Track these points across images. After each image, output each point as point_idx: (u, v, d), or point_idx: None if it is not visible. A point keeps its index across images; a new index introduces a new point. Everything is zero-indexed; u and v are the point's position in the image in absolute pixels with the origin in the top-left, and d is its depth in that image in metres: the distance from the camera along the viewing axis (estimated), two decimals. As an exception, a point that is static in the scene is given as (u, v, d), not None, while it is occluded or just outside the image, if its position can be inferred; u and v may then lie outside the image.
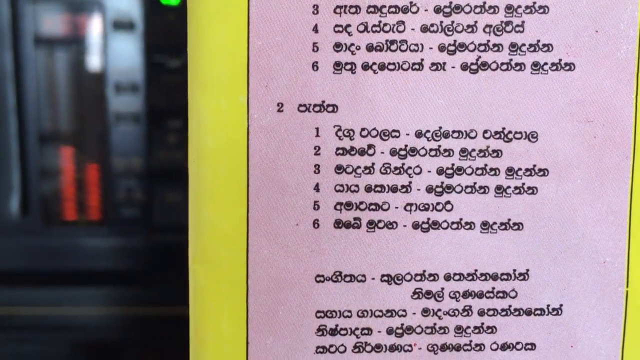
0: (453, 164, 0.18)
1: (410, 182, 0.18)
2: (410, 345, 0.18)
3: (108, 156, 0.42)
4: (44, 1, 0.40)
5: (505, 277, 0.18)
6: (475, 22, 0.17)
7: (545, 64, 0.18)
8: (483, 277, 0.18)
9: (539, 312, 0.18)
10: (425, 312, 0.18)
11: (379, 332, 0.18)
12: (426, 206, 0.18)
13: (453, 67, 0.18)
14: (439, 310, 0.18)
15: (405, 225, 0.18)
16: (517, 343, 0.18)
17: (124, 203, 0.42)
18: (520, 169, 0.18)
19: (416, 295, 0.18)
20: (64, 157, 0.42)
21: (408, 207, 0.18)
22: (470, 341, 0.18)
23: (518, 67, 0.18)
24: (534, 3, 0.17)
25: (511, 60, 0.18)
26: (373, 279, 0.18)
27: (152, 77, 0.41)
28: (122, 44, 0.41)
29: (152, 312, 0.42)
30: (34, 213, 0.42)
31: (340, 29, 0.17)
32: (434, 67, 0.18)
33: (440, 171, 0.18)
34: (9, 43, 0.40)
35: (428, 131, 0.18)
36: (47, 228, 0.42)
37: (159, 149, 0.42)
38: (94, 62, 0.42)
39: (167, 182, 0.42)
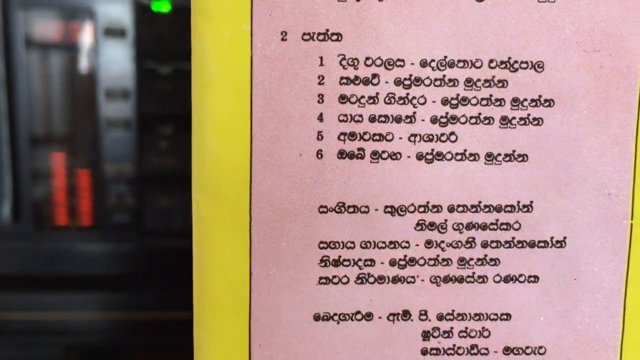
0: (458, 94, 0.18)
1: (414, 113, 0.18)
2: (413, 277, 0.18)
3: (99, 162, 0.43)
4: (35, 8, 0.41)
5: (509, 208, 0.18)
6: (482, -52, 0.17)
7: (553, -9, 0.17)
8: (487, 209, 0.18)
9: (542, 244, 0.18)
10: (429, 243, 0.18)
11: (382, 263, 0.18)
12: (430, 137, 0.18)
13: (459, -5, 0.17)
14: (442, 242, 0.18)
15: (409, 156, 0.18)
16: (520, 275, 0.18)
17: (115, 208, 0.43)
18: (525, 100, 0.18)
19: (419, 227, 0.18)
20: (55, 162, 0.43)
21: (412, 138, 0.18)
22: (473, 273, 0.18)
23: (525, -5, 0.17)
24: None
25: (518, -13, 0.17)
26: (376, 210, 0.18)
27: (142, 84, 0.42)
28: (113, 50, 0.42)
29: (143, 317, 0.43)
30: (26, 218, 0.43)
31: (345, -45, 0.17)
32: (440, -6, 0.17)
33: (445, 101, 0.18)
34: (0, 49, 0.41)
35: (433, 60, 0.18)
36: (38, 233, 0.43)
37: (149, 154, 0.42)
38: (85, 68, 0.42)
39: (158, 187, 0.43)
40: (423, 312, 0.19)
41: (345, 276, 0.18)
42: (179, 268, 0.41)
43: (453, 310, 0.19)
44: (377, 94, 0.18)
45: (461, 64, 0.18)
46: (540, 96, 0.18)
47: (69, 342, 0.43)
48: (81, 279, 0.43)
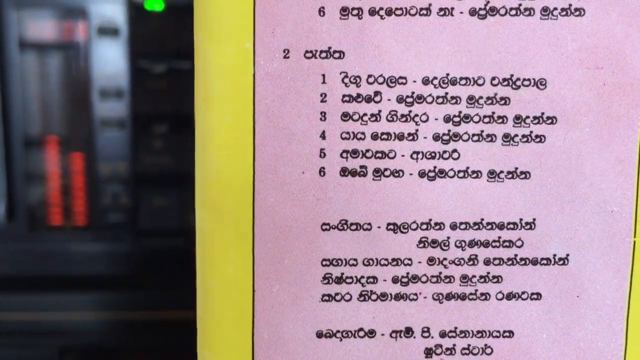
0: (460, 112, 0.18)
1: (417, 130, 0.18)
2: (415, 294, 0.18)
3: (94, 161, 0.42)
4: (28, 7, 0.41)
5: (511, 226, 0.18)
6: (484, -34, 0.17)
7: (555, 9, 0.17)
8: (489, 226, 0.18)
9: (545, 261, 0.18)
10: (431, 261, 0.18)
11: (385, 280, 0.18)
12: (433, 154, 0.18)
13: (461, 13, 0.17)
14: (445, 259, 0.18)
15: (411, 174, 0.18)
16: (523, 292, 0.18)
17: (110, 208, 0.43)
18: (528, 117, 0.18)
19: (422, 244, 0.18)
20: (49, 162, 0.43)
21: (414, 155, 0.18)
22: (476, 290, 0.18)
23: (527, 12, 0.17)
24: (544, -53, 0.17)
25: (520, 5, 0.17)
26: (379, 227, 0.18)
27: (136, 83, 0.42)
28: (106, 50, 0.42)
29: (139, 317, 0.43)
30: (20, 218, 0.42)
31: (347, -27, 0.17)
32: (442, 12, 0.17)
33: (447, 119, 0.18)
34: None
35: (435, 78, 0.18)
36: (33, 233, 0.43)
37: (144, 154, 0.42)
38: (78, 68, 0.42)
39: (153, 187, 0.43)
40: (426, 329, 0.19)
41: (347, 293, 0.18)
42: (174, 267, 0.41)
43: (456, 328, 0.19)
44: (380, 111, 0.18)
45: (463, 82, 0.18)
46: (542, 113, 0.18)
47: (63, 342, 0.43)
48: (76, 279, 0.43)
